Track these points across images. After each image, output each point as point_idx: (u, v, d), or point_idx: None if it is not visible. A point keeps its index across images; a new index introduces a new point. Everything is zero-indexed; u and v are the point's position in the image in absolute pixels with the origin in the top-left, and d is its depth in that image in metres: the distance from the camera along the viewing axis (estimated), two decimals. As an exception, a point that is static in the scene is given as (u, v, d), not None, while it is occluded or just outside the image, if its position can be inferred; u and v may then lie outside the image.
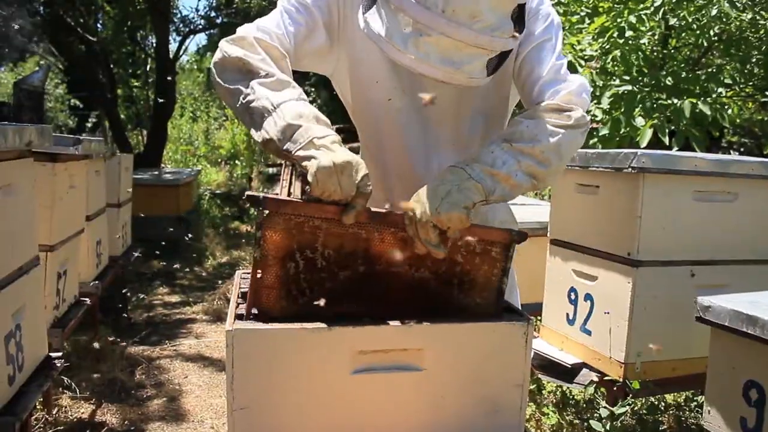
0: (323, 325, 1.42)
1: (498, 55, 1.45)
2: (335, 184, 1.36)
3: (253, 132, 1.47)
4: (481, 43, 1.37)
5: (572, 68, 4.50)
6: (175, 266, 6.56)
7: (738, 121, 5.72)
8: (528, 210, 3.60)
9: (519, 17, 1.44)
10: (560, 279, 2.73)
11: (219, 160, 13.04)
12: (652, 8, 4.51)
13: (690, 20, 4.41)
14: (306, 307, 1.45)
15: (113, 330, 4.49)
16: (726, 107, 4.59)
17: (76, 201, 3.23)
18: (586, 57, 4.98)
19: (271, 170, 11.10)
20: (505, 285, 1.55)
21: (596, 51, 4.86)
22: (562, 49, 1.72)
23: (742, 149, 9.13)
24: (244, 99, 1.47)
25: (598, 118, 4.77)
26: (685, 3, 4.38)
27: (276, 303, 1.46)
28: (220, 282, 6.16)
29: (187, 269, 6.66)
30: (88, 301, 3.43)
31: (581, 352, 2.58)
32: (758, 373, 1.66)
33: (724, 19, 4.37)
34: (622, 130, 4.45)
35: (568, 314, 2.68)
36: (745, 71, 4.78)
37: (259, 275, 1.43)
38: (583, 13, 5.43)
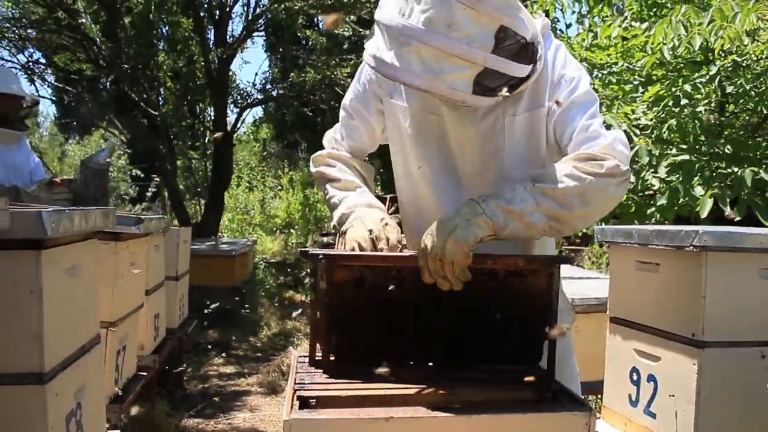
0: (382, 415, 1.41)
1: (493, 78, 1.49)
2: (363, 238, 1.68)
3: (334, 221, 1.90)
4: (458, 51, 1.42)
5: (627, 138, 4.47)
6: (230, 337, 6.61)
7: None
8: (586, 284, 3.53)
9: (520, 45, 1.50)
10: (621, 358, 2.64)
11: (274, 228, 13.25)
12: (708, 76, 4.48)
13: (748, 87, 4.35)
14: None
15: (169, 402, 4.52)
16: (789, 173, 4.47)
17: (136, 277, 3.31)
18: (641, 126, 4.95)
19: (325, 239, 11.22)
20: (553, 308, 1.60)
21: (651, 120, 4.82)
22: (599, 109, 1.74)
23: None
24: (325, 198, 1.99)
25: (655, 187, 4.70)
26: (741, 70, 4.33)
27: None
28: (274, 353, 6.17)
29: (243, 340, 6.71)
30: (146, 374, 3.47)
31: (646, 436, 2.47)
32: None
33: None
34: (681, 200, 4.36)
35: (630, 395, 2.58)
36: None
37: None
38: (636, 82, 5.42)
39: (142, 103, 9.76)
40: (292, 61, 12.01)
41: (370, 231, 1.68)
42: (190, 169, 12.72)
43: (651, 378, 2.47)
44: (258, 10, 9.53)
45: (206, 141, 11.25)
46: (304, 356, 1.80)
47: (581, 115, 1.67)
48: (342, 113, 2.05)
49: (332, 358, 1.63)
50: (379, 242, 1.67)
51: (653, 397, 2.46)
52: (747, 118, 5.40)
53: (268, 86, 10.97)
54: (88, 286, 2.37)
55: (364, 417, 1.40)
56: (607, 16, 5.78)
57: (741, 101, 5.02)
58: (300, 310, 8.12)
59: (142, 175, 15.64)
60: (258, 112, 18.11)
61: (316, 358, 1.70)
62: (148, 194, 14.98)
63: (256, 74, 24.00)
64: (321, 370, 1.64)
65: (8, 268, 1.87)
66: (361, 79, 1.98)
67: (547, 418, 1.46)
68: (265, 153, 18.31)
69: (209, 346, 6.48)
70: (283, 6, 8.83)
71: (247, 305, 7.30)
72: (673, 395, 2.33)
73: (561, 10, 6.08)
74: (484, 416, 1.43)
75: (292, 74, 10.16)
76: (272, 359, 5.80)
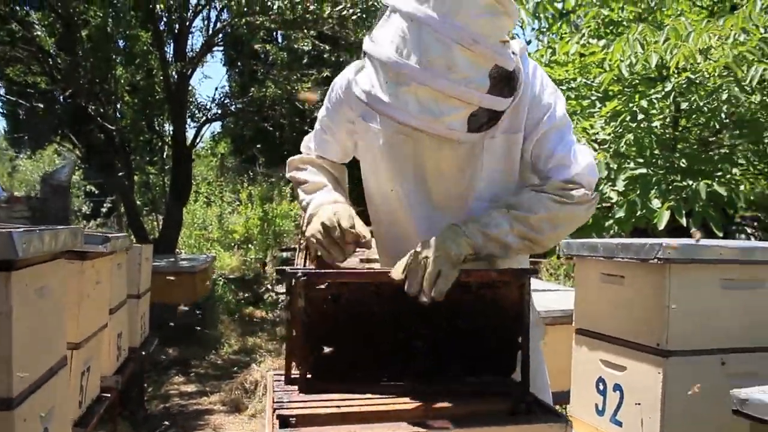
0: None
1: (483, 115, 1.53)
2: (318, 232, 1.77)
3: None
4: (457, 93, 1.46)
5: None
6: (191, 354, 6.52)
7: (752, 198, 5.76)
8: (549, 297, 3.60)
9: (505, 79, 1.53)
10: (587, 368, 2.70)
11: (232, 244, 13.12)
12: (663, 93, 4.62)
13: (701, 104, 4.51)
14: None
15: (131, 424, 4.43)
16: (739, 185, 4.63)
17: (100, 296, 3.26)
18: (599, 140, 5.08)
19: (285, 254, 11.16)
20: (525, 318, 1.64)
21: (609, 135, 4.95)
22: (572, 131, 1.83)
23: (755, 223, 9.13)
24: (299, 201, 2.04)
25: (613, 200, 4.81)
26: (695, 87, 4.49)
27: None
28: (236, 371, 6.10)
29: (203, 357, 6.62)
30: (109, 395, 3.41)
31: (614, 445, 2.53)
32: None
33: (734, 101, 4.46)
34: (638, 212, 4.48)
35: (597, 405, 2.64)
36: (758, 151, 4.85)
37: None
38: (594, 98, 5.56)
39: (98, 118, 9.60)
40: (251, 75, 11.97)
41: (323, 223, 1.76)
42: (148, 184, 12.54)
43: (617, 387, 2.53)
44: (218, 25, 9.47)
45: (164, 156, 11.11)
46: (280, 374, 1.80)
47: (556, 142, 1.75)
48: (317, 125, 2.09)
49: (309, 376, 1.63)
50: (333, 231, 1.74)
51: (619, 406, 2.52)
52: (699, 132, 5.57)
53: (228, 101, 10.89)
54: (55, 306, 2.33)
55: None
56: (565, 33, 5.92)
57: (693, 116, 5.19)
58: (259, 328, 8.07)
59: (96, 191, 15.35)
60: (216, 126, 17.93)
61: (293, 377, 1.70)
62: (103, 210, 14.73)
63: (216, 89, 23.85)
64: (297, 388, 1.64)
65: (-24, 289, 1.83)
66: (332, 98, 1.98)
67: (524, 430, 1.49)
68: (223, 168, 18.16)
69: (169, 364, 6.38)
70: (243, 21, 8.80)
71: (204, 323, 7.21)
72: (639, 403, 2.39)
73: (521, 26, 6.21)
74: (464, 430, 1.45)
75: (252, 89, 10.12)
76: (235, 377, 5.73)
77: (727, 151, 4.79)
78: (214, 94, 11.74)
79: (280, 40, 12.43)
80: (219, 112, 10.66)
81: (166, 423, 4.64)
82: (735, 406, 1.75)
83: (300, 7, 7.44)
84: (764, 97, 4.45)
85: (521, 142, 1.78)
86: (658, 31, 4.42)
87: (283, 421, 1.47)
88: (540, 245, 1.73)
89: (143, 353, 4.73)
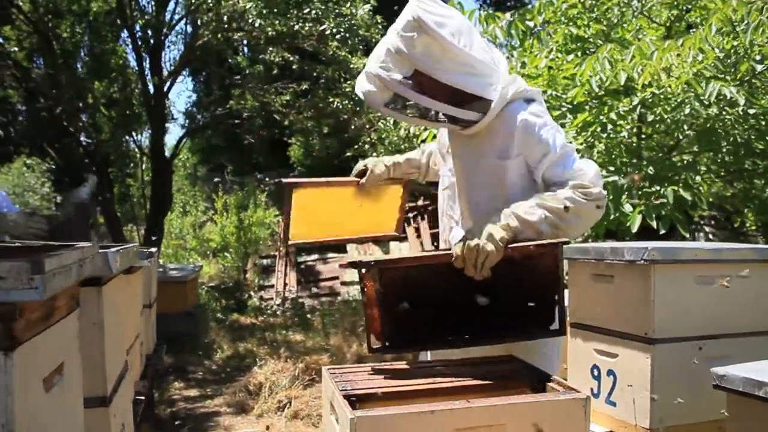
0: (429, 408, 1.77)
1: (399, 101, 2.22)
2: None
3: None
4: (378, 74, 2.15)
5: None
6: (185, 361, 6.77)
7: (710, 199, 6.26)
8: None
9: (432, 82, 2.14)
10: (582, 357, 3.09)
11: (208, 252, 13.30)
12: (631, 106, 5.06)
13: (665, 117, 4.96)
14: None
15: (150, 426, 4.68)
16: (700, 188, 5.10)
17: (136, 307, 3.54)
18: (571, 150, 5.48)
19: (265, 261, 11.41)
20: (560, 278, 2.11)
21: (581, 144, 5.37)
22: (575, 153, 2.31)
23: (713, 222, 9.73)
24: None
25: (586, 205, 5.21)
26: (660, 101, 4.94)
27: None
28: (235, 374, 6.37)
29: (198, 364, 6.87)
30: (143, 398, 3.68)
31: (609, 422, 2.92)
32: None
33: (695, 114, 4.91)
34: (612, 216, 4.89)
35: (592, 389, 3.03)
36: (716, 159, 5.34)
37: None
38: (564, 109, 5.97)
39: (76, 132, 9.74)
40: (221, 86, 12.18)
41: (365, 165, 2.74)
42: (127, 195, 12.66)
43: (610, 372, 2.93)
44: (196, 40, 9.69)
45: (143, 167, 11.27)
46: (333, 368, 2.16)
47: (565, 164, 2.22)
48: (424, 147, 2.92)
49: (387, 344, 2.07)
50: (369, 171, 2.72)
51: (613, 389, 2.91)
52: (660, 140, 6.04)
53: (205, 113, 11.10)
54: (118, 317, 2.62)
55: (414, 411, 1.76)
56: (534, 48, 6.33)
57: (656, 125, 5.65)
58: (248, 333, 8.33)
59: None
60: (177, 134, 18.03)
61: (374, 347, 2.09)
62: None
63: (194, 101, 23.87)
64: (354, 372, 2.03)
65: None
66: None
67: (555, 402, 1.85)
68: (196, 177, 18.27)
69: (166, 372, 6.61)
70: (220, 36, 9.04)
71: (193, 332, 7.44)
72: (630, 385, 2.79)
73: (493, 42, 6.61)
74: (508, 404, 1.81)
75: (231, 101, 10.36)
76: (237, 380, 6.00)
77: (690, 160, 5.26)
78: (193, 107, 11.91)
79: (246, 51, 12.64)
80: (200, 123, 10.85)
81: (178, 422, 4.89)
82: (715, 381, 2.13)
83: (279, 23, 7.74)
84: (720, 110, 4.92)
85: (512, 168, 2.27)
86: (625, 50, 4.86)
87: (352, 403, 1.82)
88: (565, 234, 2.14)
89: (156, 360, 4.99)
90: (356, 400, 1.86)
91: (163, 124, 10.04)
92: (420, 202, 10.22)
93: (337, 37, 7.61)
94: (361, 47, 8.12)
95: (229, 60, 11.45)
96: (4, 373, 1.16)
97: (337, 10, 7.97)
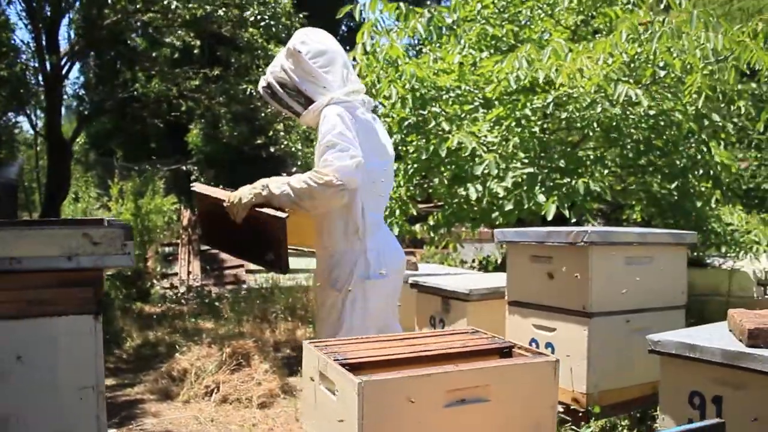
0: (426, 372, 1.96)
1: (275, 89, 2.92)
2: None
3: None
4: (266, 72, 2.99)
5: (475, 154, 5.33)
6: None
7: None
8: (459, 279, 4.26)
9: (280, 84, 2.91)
10: (521, 333, 3.37)
11: (103, 240, 12.78)
12: (544, 103, 5.45)
13: (576, 115, 5.38)
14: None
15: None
16: (604, 180, 5.56)
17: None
18: (486, 143, 5.82)
19: (167, 249, 11.16)
20: (280, 246, 2.78)
21: (496, 137, 5.71)
22: (337, 146, 2.75)
23: (599, 214, 10.44)
24: None
25: (500, 196, 5.55)
26: (572, 100, 5.35)
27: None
28: (149, 362, 6.28)
29: (109, 353, 6.70)
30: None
31: (546, 390, 3.22)
32: (699, 385, 2.30)
33: (604, 113, 5.35)
34: (526, 205, 5.26)
35: (529, 360, 3.31)
36: (621, 154, 5.84)
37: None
38: (476, 103, 6.31)
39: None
40: (133, 71, 11.77)
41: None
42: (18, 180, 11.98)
43: (548, 344, 3.23)
44: (99, 21, 9.33)
45: (38, 151, 10.72)
46: (314, 341, 2.30)
47: (326, 152, 2.71)
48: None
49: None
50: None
51: (550, 360, 3.21)
52: (564, 137, 6.50)
53: (106, 96, 10.68)
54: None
55: (414, 375, 1.94)
56: (449, 45, 6.63)
57: (560, 123, 6.09)
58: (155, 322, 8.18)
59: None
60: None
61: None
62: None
63: (97, 84, 22.66)
64: (338, 345, 2.20)
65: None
66: None
67: (533, 365, 2.09)
68: (87, 163, 17.48)
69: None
70: (120, 17, 8.73)
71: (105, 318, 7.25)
72: (569, 355, 3.09)
73: (411, 37, 6.86)
74: (493, 367, 2.03)
75: (137, 84, 10.04)
76: (155, 368, 5.90)
77: (597, 155, 5.73)
78: (92, 90, 11.43)
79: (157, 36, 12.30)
80: (101, 106, 10.45)
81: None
82: (650, 346, 2.43)
83: (197, 6, 7.63)
84: (624, 110, 5.40)
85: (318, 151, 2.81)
86: (542, 51, 5.23)
87: (349, 369, 1.99)
88: (303, 209, 2.73)
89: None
90: (350, 369, 2.02)
91: (60, 104, 9.60)
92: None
93: (262, 24, 7.61)
94: (283, 35, 8.13)
95: (128, 42, 11.07)
96: (94, 337, 1.24)
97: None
